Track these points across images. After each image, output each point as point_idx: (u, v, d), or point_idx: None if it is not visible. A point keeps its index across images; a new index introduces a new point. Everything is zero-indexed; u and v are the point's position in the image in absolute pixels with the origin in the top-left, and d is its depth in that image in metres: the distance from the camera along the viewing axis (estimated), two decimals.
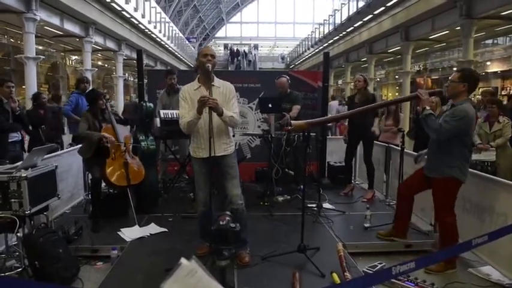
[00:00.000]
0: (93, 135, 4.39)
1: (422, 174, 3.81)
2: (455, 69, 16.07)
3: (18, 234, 3.35)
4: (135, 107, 6.25)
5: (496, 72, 17.85)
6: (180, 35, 36.10)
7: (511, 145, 5.44)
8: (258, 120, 6.72)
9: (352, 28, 21.45)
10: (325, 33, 27.63)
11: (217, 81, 3.46)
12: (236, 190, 3.52)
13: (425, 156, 3.90)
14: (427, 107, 3.51)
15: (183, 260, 1.11)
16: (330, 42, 26.30)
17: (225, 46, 44.42)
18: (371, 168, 5.71)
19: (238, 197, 3.52)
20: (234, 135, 3.86)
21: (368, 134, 5.63)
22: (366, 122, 5.53)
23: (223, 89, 3.46)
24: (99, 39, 18.21)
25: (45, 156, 4.08)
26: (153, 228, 4.37)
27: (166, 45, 28.25)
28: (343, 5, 22.64)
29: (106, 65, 28.66)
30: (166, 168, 6.08)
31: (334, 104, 15.19)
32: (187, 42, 39.30)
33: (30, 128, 5.77)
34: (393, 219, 4.18)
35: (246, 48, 44.14)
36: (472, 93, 13.52)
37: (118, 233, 4.20)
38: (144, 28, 21.88)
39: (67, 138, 7.41)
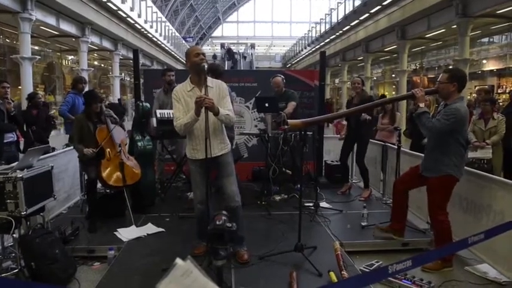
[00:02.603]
0: (78, 150, 4.42)
1: (417, 171, 3.83)
2: (451, 67, 16.13)
3: (14, 235, 3.34)
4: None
5: (492, 70, 17.92)
6: (177, 34, 36.06)
7: (503, 143, 5.45)
8: (254, 119, 6.72)
9: (348, 27, 21.48)
10: (321, 32, 27.65)
11: (209, 81, 3.40)
12: (233, 187, 3.51)
13: None
14: (421, 105, 3.56)
15: (178, 260, 1.11)
16: (326, 41, 26.33)
17: (222, 45, 44.39)
18: (364, 169, 5.71)
19: (236, 194, 3.51)
20: (234, 136, 3.84)
21: (363, 135, 5.62)
22: (362, 123, 5.52)
23: (216, 89, 3.43)
24: (95, 39, 18.17)
25: (41, 156, 4.06)
26: (150, 228, 4.36)
27: (162, 45, 28.22)
28: (339, 4, 22.66)
29: (102, 65, 28.58)
30: (164, 168, 6.06)
31: None
32: (183, 41, 39.22)
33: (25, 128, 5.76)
34: (390, 217, 4.19)
35: (242, 48, 44.08)
36: (469, 92, 13.56)
37: (115, 233, 4.18)
38: (140, 28, 21.85)
39: (63, 138, 7.39)
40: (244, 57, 38.77)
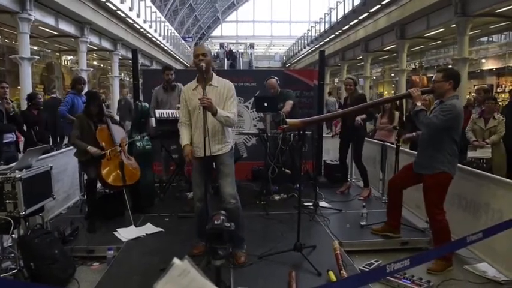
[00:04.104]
0: (80, 146, 4.38)
1: (410, 169, 3.87)
2: (450, 66, 16.14)
3: (14, 235, 3.33)
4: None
5: (491, 69, 17.93)
6: (176, 34, 36.02)
7: (504, 142, 5.46)
8: (254, 119, 6.72)
9: (347, 26, 21.50)
10: (321, 31, 27.66)
11: (215, 80, 3.49)
12: (230, 189, 3.51)
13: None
14: (419, 103, 3.60)
15: (175, 260, 1.10)
16: (325, 40, 26.33)
17: (221, 45, 44.41)
18: (362, 168, 5.70)
19: (231, 196, 3.50)
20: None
21: (358, 134, 5.60)
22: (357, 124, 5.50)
23: (220, 88, 3.47)
24: (94, 39, 18.16)
25: (40, 156, 4.06)
26: (149, 228, 4.36)
27: (162, 45, 28.20)
28: (338, 3, 22.66)
29: (101, 65, 28.56)
30: (170, 168, 6.01)
31: (330, 100, 15.56)
32: (183, 41, 39.22)
33: (24, 128, 5.76)
34: (386, 216, 4.21)
35: (241, 48, 44.17)
36: (468, 91, 13.52)
37: (114, 233, 4.18)
38: (139, 28, 21.83)
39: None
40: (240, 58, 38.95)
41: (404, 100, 9.52)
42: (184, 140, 3.50)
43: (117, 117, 4.94)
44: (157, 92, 5.77)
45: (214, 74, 3.54)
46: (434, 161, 3.59)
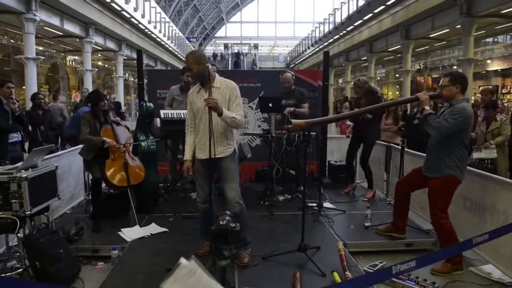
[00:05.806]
0: (95, 140, 4.39)
1: (419, 173, 3.84)
2: (455, 67, 16.10)
3: (19, 234, 3.35)
4: None
5: (497, 70, 17.84)
6: (180, 34, 36.13)
7: (509, 145, 5.41)
8: (258, 119, 6.72)
9: (352, 27, 21.48)
10: (325, 32, 27.67)
11: (218, 81, 3.49)
12: (234, 194, 3.51)
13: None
14: (427, 107, 3.57)
15: (182, 260, 1.11)
16: (330, 41, 26.32)
17: (225, 46, 44.49)
18: (368, 170, 5.69)
19: (235, 200, 3.50)
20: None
21: (369, 137, 5.58)
22: (368, 125, 5.49)
23: (223, 89, 3.48)
24: (99, 39, 18.24)
25: (46, 156, 4.08)
26: (153, 228, 4.37)
27: (166, 45, 28.29)
28: (343, 4, 22.64)
29: (106, 65, 28.68)
30: (176, 168, 6.00)
31: None
32: (187, 42, 39.32)
33: (30, 128, 5.79)
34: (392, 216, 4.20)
35: (246, 48, 44.31)
36: (473, 92, 13.43)
37: (119, 233, 4.19)
38: (144, 28, 21.91)
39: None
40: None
41: None
42: (187, 153, 3.54)
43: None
44: (173, 90, 5.73)
45: (216, 75, 3.54)
46: (442, 164, 3.56)
